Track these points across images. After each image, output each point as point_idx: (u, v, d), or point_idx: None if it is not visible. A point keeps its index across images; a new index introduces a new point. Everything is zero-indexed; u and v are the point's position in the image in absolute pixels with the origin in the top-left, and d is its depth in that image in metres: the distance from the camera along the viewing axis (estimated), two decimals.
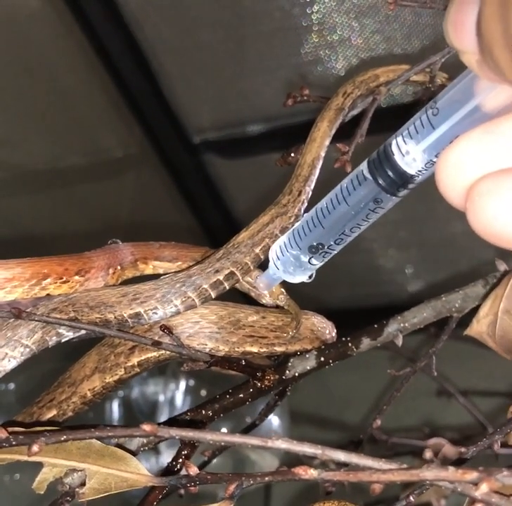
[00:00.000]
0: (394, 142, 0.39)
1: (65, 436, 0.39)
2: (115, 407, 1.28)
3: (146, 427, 0.38)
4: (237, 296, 0.56)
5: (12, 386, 1.15)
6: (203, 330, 0.52)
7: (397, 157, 0.39)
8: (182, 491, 0.63)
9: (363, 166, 0.43)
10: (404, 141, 0.38)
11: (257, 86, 1.22)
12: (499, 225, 0.27)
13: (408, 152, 0.39)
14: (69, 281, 0.49)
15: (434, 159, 0.38)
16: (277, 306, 0.55)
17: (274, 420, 1.28)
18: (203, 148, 1.30)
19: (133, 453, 0.51)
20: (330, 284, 1.56)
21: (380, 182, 0.42)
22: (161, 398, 1.30)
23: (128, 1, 1.11)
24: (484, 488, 0.34)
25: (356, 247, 1.44)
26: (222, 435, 0.39)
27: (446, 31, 0.28)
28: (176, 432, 0.39)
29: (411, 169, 0.39)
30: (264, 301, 0.55)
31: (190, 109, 1.26)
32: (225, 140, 1.29)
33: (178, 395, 1.30)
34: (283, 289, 0.54)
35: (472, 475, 0.35)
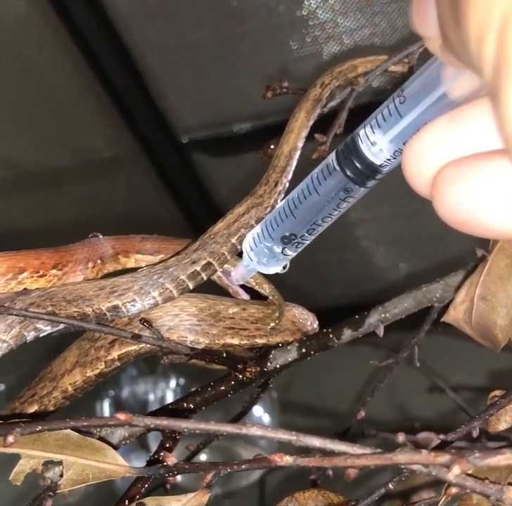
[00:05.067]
0: (361, 132, 0.39)
1: (40, 427, 0.39)
2: (106, 407, 1.28)
3: (121, 416, 0.38)
4: (222, 290, 0.56)
5: (2, 386, 1.15)
6: (183, 323, 0.52)
7: (364, 148, 0.39)
8: (168, 486, 0.63)
9: (332, 156, 0.42)
10: (373, 131, 0.38)
11: (244, 84, 1.22)
12: (463, 211, 0.27)
13: (375, 143, 0.38)
14: (46, 275, 0.48)
15: (402, 148, 0.37)
16: (261, 297, 0.55)
17: (265, 418, 1.28)
18: (191, 147, 1.30)
19: (115, 447, 0.51)
20: (322, 282, 1.56)
21: (347, 173, 0.41)
22: (151, 397, 1.30)
23: (114, 1, 1.11)
24: (456, 470, 0.34)
25: (348, 246, 1.45)
26: (197, 423, 0.39)
27: (411, 18, 0.29)
28: (151, 421, 0.39)
29: (377, 160, 0.39)
30: (242, 297, 0.55)
31: (178, 109, 1.26)
32: (213, 139, 1.29)
33: (168, 394, 1.30)
34: (267, 279, 0.54)
35: (445, 458, 0.34)
